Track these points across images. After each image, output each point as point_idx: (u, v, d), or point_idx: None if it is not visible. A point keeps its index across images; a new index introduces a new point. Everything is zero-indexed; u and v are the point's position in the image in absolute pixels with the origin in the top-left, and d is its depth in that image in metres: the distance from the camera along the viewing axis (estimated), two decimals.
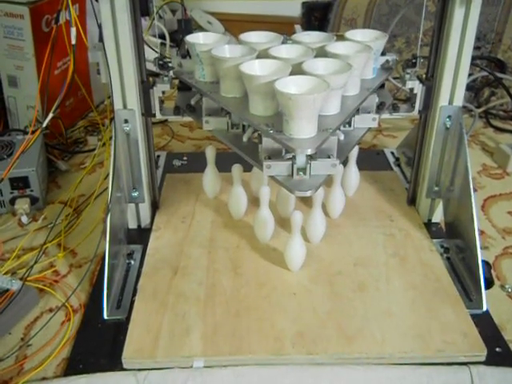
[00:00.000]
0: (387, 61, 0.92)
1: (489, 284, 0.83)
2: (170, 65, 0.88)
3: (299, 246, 0.84)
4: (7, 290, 0.80)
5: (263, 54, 0.81)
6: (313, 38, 0.88)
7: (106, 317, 0.78)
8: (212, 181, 1.01)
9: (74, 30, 0.82)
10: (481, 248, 0.82)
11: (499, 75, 1.36)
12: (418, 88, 0.89)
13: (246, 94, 0.78)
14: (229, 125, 0.84)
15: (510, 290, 0.85)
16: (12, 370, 0.72)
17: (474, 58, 0.94)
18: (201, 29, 1.74)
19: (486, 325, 0.77)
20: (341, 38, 0.87)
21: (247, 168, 0.93)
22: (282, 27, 1.07)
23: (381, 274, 0.85)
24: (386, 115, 0.92)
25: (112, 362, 0.71)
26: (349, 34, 0.88)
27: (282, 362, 0.71)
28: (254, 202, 0.95)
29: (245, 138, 0.82)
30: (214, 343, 0.73)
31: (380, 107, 0.88)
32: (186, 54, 0.90)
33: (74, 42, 0.83)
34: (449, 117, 0.89)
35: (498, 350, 0.73)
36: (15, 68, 1.21)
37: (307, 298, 0.80)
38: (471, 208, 0.84)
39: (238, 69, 0.75)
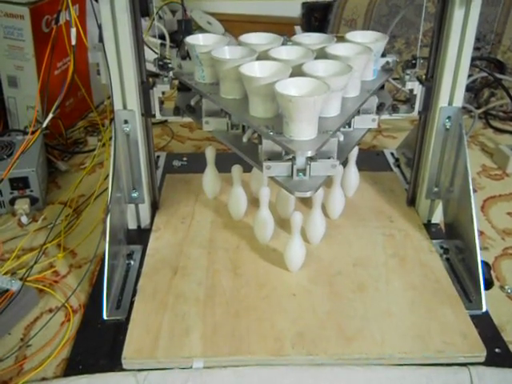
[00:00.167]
0: (387, 62, 0.92)
1: (488, 285, 0.83)
2: (169, 65, 0.88)
3: (299, 246, 0.84)
4: (7, 291, 0.80)
5: (263, 56, 0.81)
6: (313, 39, 0.88)
7: (105, 317, 0.78)
8: (212, 181, 1.01)
9: (74, 31, 0.82)
10: (480, 249, 0.82)
11: (499, 76, 1.36)
12: (417, 89, 0.89)
13: (245, 96, 0.78)
14: (229, 125, 0.84)
15: (509, 290, 0.85)
16: (12, 371, 0.72)
17: (473, 59, 0.94)
18: (201, 29, 1.74)
19: (485, 325, 0.77)
20: (341, 39, 0.87)
21: (247, 169, 0.93)
22: (282, 28, 1.07)
23: (380, 274, 0.85)
24: (385, 116, 0.92)
25: (112, 362, 0.71)
26: (349, 35, 0.88)
27: (282, 363, 0.71)
28: (254, 202, 0.95)
29: (245, 139, 0.82)
30: (213, 344, 0.73)
31: (380, 108, 0.88)
32: (186, 56, 0.90)
33: (73, 42, 0.83)
34: (448, 118, 0.89)
35: (497, 350, 0.73)
36: (15, 68, 1.21)
37: (307, 298, 0.80)
38: (471, 209, 0.84)
39: (238, 70, 0.75)
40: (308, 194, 0.74)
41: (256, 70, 0.77)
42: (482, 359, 0.72)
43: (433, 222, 0.99)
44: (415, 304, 0.79)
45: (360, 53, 0.82)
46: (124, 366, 0.71)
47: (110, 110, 0.88)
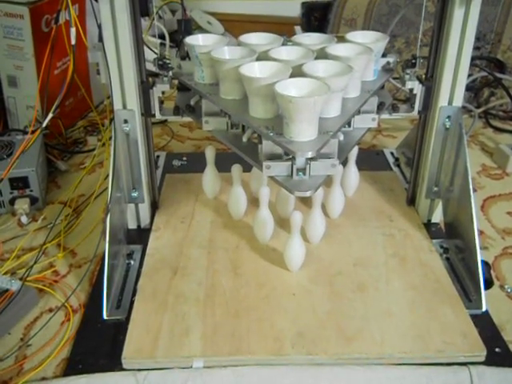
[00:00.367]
0: (388, 62, 0.92)
1: (488, 284, 0.83)
2: (169, 65, 0.87)
3: (299, 246, 0.84)
4: (7, 290, 0.80)
5: (263, 56, 0.81)
6: (313, 39, 0.88)
7: (105, 317, 0.78)
8: (211, 181, 1.01)
9: (73, 31, 0.82)
10: (480, 248, 0.82)
11: (499, 75, 1.36)
12: (417, 88, 0.89)
13: (245, 96, 0.78)
14: (228, 125, 0.84)
15: (509, 290, 0.85)
16: (12, 370, 0.72)
17: (473, 59, 0.94)
18: (200, 29, 1.74)
19: (485, 325, 0.77)
20: (341, 39, 0.87)
21: (247, 168, 0.93)
22: (282, 27, 1.07)
23: (380, 274, 0.85)
24: (385, 115, 0.92)
25: (112, 362, 0.71)
26: (349, 35, 0.88)
27: (282, 363, 0.71)
28: (254, 202, 0.95)
29: (244, 139, 0.82)
30: (213, 343, 0.73)
31: (380, 107, 0.88)
32: (186, 56, 0.90)
33: (73, 42, 0.83)
34: (448, 117, 0.89)
35: (497, 350, 0.73)
36: (15, 68, 1.21)
37: (307, 298, 0.80)
38: (471, 208, 0.84)
39: (238, 71, 0.74)
40: (308, 194, 0.74)
41: (256, 70, 0.77)
42: (482, 359, 0.72)
43: (433, 221, 0.99)
44: (415, 304, 0.79)
45: (360, 53, 0.82)
46: (124, 366, 0.71)
47: (110, 109, 0.88)
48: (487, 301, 0.80)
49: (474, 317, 0.77)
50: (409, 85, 0.89)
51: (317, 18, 1.66)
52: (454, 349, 0.72)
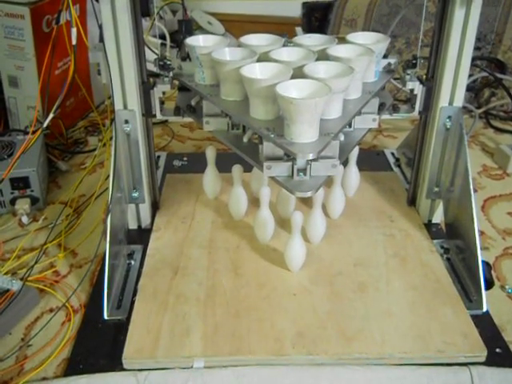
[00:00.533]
0: (389, 63, 0.92)
1: (489, 285, 0.83)
2: (170, 65, 0.87)
3: (299, 246, 0.84)
4: (7, 291, 0.80)
5: (264, 57, 0.80)
6: (314, 40, 0.88)
7: (106, 317, 0.78)
8: (212, 181, 1.01)
9: (74, 31, 0.82)
10: (481, 249, 0.82)
11: (499, 76, 1.36)
12: (418, 89, 0.89)
13: (246, 98, 0.78)
14: (229, 125, 0.84)
15: (509, 290, 0.85)
16: (12, 370, 0.72)
17: (474, 59, 0.94)
18: (201, 29, 1.73)
19: (486, 325, 0.77)
20: (342, 40, 0.87)
21: (247, 168, 0.93)
22: (283, 28, 1.07)
23: (381, 274, 0.85)
24: (386, 116, 0.92)
25: (112, 362, 0.71)
26: (350, 36, 0.88)
27: (282, 363, 0.71)
28: (254, 202, 0.95)
29: (245, 139, 0.82)
30: (214, 343, 0.73)
31: (380, 108, 0.88)
32: (186, 57, 0.90)
33: (74, 42, 0.83)
34: (449, 117, 0.89)
35: (498, 350, 0.74)
36: (16, 68, 1.21)
37: (307, 298, 0.80)
38: (471, 209, 0.84)
39: (239, 72, 0.74)
40: (308, 194, 0.74)
41: (257, 71, 0.76)
42: (483, 359, 0.72)
43: (433, 221, 0.99)
44: (416, 304, 0.79)
45: (362, 54, 0.82)
46: (124, 366, 0.71)
47: (111, 109, 0.88)
48: (488, 301, 0.80)
49: (474, 317, 0.77)
50: (409, 85, 0.89)
51: (317, 19, 1.66)
52: (455, 349, 0.72)
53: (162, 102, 0.89)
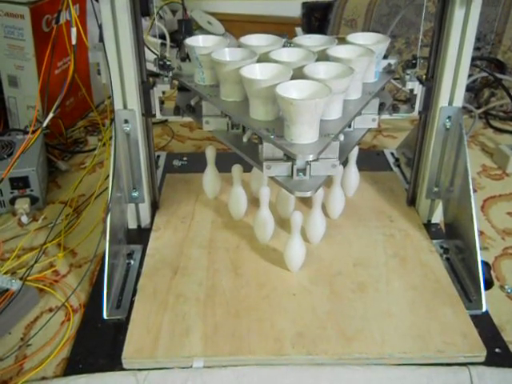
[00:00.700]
0: (389, 64, 0.92)
1: (488, 285, 0.83)
2: (170, 65, 0.87)
3: (299, 246, 0.84)
4: (7, 290, 0.80)
5: (264, 58, 0.80)
6: (314, 41, 0.88)
7: (105, 317, 0.78)
8: (212, 181, 1.01)
9: (74, 30, 0.82)
10: (480, 249, 0.82)
11: (499, 76, 1.36)
12: (417, 89, 0.89)
13: (246, 98, 0.78)
14: (229, 125, 0.84)
15: (509, 290, 0.85)
16: (12, 370, 0.72)
17: (473, 59, 0.94)
18: (201, 29, 1.73)
19: (485, 325, 0.77)
20: (342, 40, 0.87)
21: (247, 168, 0.93)
22: (283, 28, 1.07)
23: (380, 274, 0.85)
24: (385, 116, 0.92)
25: (112, 362, 0.71)
26: (351, 37, 0.88)
27: (282, 363, 0.71)
28: (254, 202, 0.95)
29: (245, 139, 0.82)
30: (213, 343, 0.73)
31: (380, 108, 0.88)
32: (186, 57, 0.90)
33: (74, 42, 0.83)
34: (449, 117, 0.89)
35: (497, 350, 0.74)
36: (15, 68, 1.21)
37: (307, 298, 0.80)
38: (471, 209, 0.84)
39: (239, 73, 0.74)
40: (308, 194, 0.74)
41: (257, 72, 0.76)
42: (482, 359, 0.72)
43: (433, 221, 0.99)
44: (415, 304, 0.79)
45: (362, 55, 0.82)
46: (124, 366, 0.71)
47: (111, 109, 0.88)
48: (487, 301, 0.80)
49: (474, 317, 0.77)
50: (409, 85, 0.89)
51: (317, 19, 1.66)
52: (454, 349, 0.72)
53: (161, 102, 0.89)
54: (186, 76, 0.88)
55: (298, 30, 1.03)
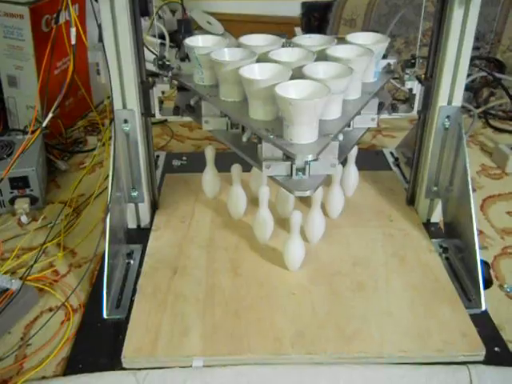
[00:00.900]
0: (388, 64, 0.92)
1: (487, 284, 0.83)
2: (169, 65, 0.87)
3: (298, 245, 0.84)
4: (7, 290, 0.80)
5: (263, 58, 0.80)
6: (313, 41, 0.88)
7: (105, 316, 0.78)
8: (211, 181, 1.01)
9: (73, 31, 0.82)
10: (479, 248, 0.82)
11: (498, 75, 1.37)
12: (417, 88, 0.89)
13: (245, 98, 0.78)
14: (228, 125, 0.85)
15: (508, 289, 0.85)
16: (11, 370, 0.72)
17: (472, 59, 0.94)
18: (200, 29, 1.74)
19: (484, 324, 0.77)
20: (342, 40, 0.87)
21: (246, 168, 0.93)
22: (282, 27, 1.07)
23: (380, 273, 0.85)
24: (385, 115, 0.92)
25: (112, 361, 0.71)
26: (350, 36, 0.88)
27: (282, 362, 0.71)
28: (254, 201, 0.95)
29: (244, 138, 0.82)
30: (213, 343, 0.73)
31: (379, 107, 0.88)
32: (185, 57, 0.90)
33: (73, 42, 0.83)
34: (448, 117, 0.90)
35: (496, 349, 0.74)
36: (15, 68, 1.21)
37: (306, 297, 0.80)
38: (470, 208, 0.84)
39: (238, 73, 0.74)
40: (307, 193, 0.74)
41: (256, 72, 0.76)
42: (482, 358, 0.72)
43: (432, 221, 0.99)
44: (415, 303, 0.79)
45: (361, 55, 0.82)
46: (124, 365, 0.71)
47: (110, 109, 0.88)
48: (486, 300, 0.80)
49: (473, 316, 0.77)
50: (408, 85, 0.89)
51: (317, 18, 1.66)
52: (454, 348, 0.72)
53: (161, 102, 0.89)
54: (186, 76, 0.88)
55: (298, 29, 1.03)
